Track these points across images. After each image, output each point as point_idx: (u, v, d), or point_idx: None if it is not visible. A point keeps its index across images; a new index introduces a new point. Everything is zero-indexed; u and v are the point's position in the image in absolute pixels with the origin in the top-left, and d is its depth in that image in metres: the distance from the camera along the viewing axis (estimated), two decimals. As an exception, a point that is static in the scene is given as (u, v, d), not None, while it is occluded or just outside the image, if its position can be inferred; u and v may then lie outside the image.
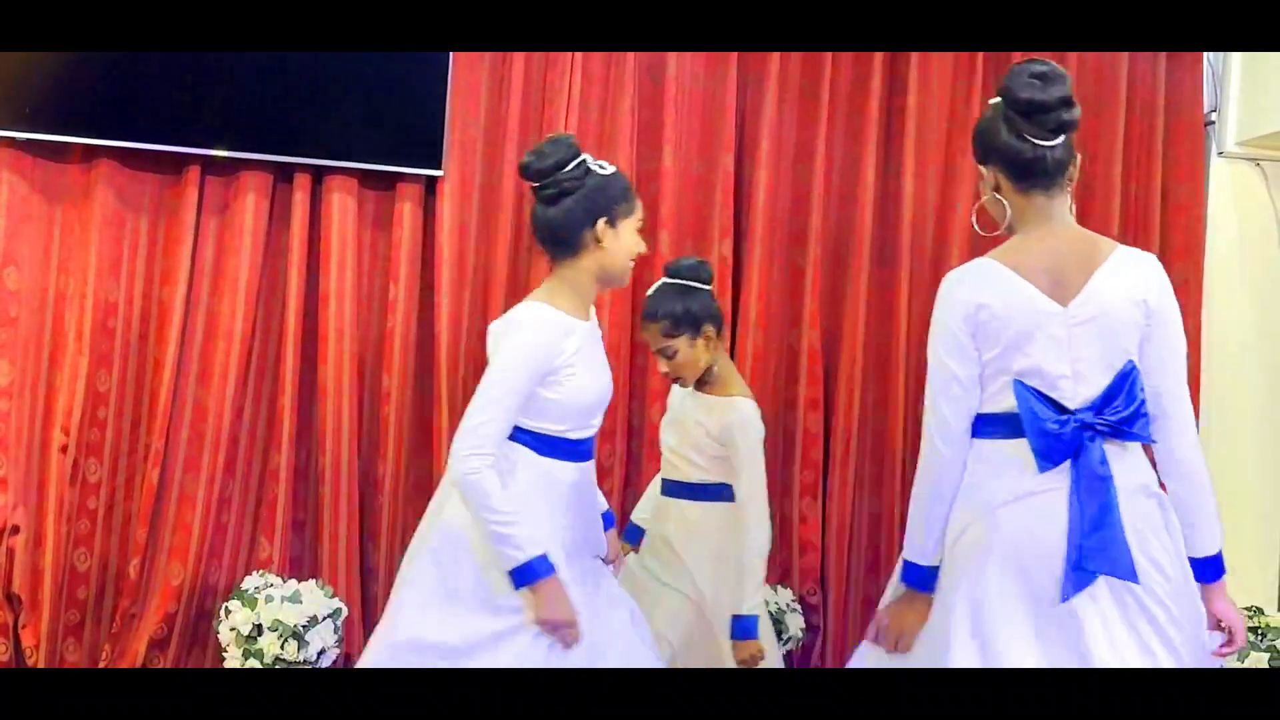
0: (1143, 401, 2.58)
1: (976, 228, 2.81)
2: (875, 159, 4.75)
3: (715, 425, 3.45)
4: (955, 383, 2.60)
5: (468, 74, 4.48)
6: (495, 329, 2.99)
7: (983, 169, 2.70)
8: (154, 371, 4.29)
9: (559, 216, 2.89)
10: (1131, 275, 2.63)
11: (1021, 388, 2.57)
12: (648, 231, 4.58)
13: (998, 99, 2.68)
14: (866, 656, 2.79)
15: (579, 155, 2.90)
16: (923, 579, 2.68)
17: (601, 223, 2.89)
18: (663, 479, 3.63)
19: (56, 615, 4.20)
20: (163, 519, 4.27)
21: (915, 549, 2.68)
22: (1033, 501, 2.55)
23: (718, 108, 4.66)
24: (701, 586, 3.47)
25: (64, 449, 4.18)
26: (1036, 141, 2.62)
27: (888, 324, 4.75)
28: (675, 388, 3.64)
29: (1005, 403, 2.60)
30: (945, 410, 2.62)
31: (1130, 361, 2.59)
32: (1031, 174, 2.64)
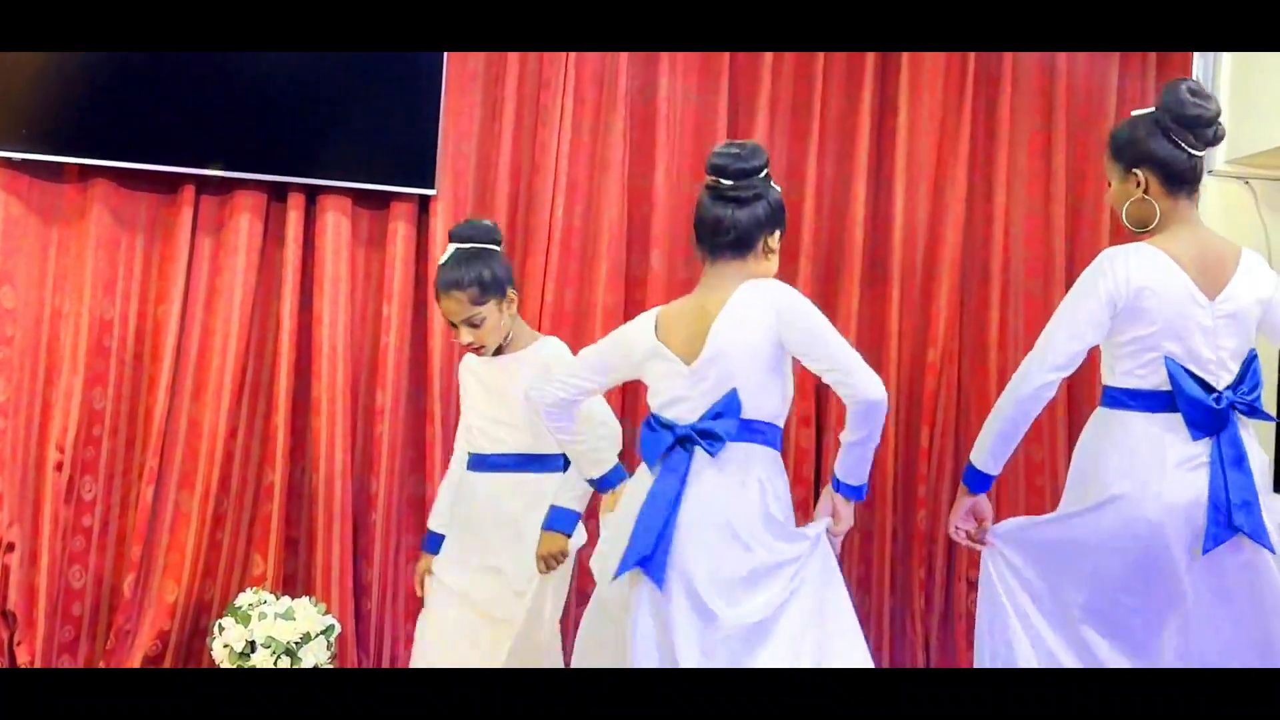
0: (1259, 384, 2.96)
1: (1126, 224, 3.00)
2: (866, 177, 4.78)
3: (542, 369, 3.30)
4: (1079, 338, 2.89)
5: (460, 94, 4.52)
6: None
7: (1134, 172, 2.94)
8: (149, 390, 4.32)
9: (748, 219, 2.89)
10: (1257, 276, 2.97)
11: (1176, 366, 2.88)
12: (639, 251, 4.67)
13: (1150, 110, 2.96)
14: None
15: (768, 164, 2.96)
16: (982, 484, 3.00)
17: (777, 233, 2.95)
18: (481, 455, 3.47)
19: (52, 632, 4.22)
20: (157, 536, 4.30)
21: (985, 458, 2.98)
22: (1196, 465, 2.87)
23: (709, 127, 4.70)
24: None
25: (59, 467, 4.21)
26: (1192, 151, 2.92)
27: (878, 340, 4.78)
28: (467, 363, 3.54)
29: (1154, 379, 2.89)
30: (1063, 347, 2.89)
31: (1252, 350, 2.96)
32: (1184, 180, 2.94)
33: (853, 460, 2.91)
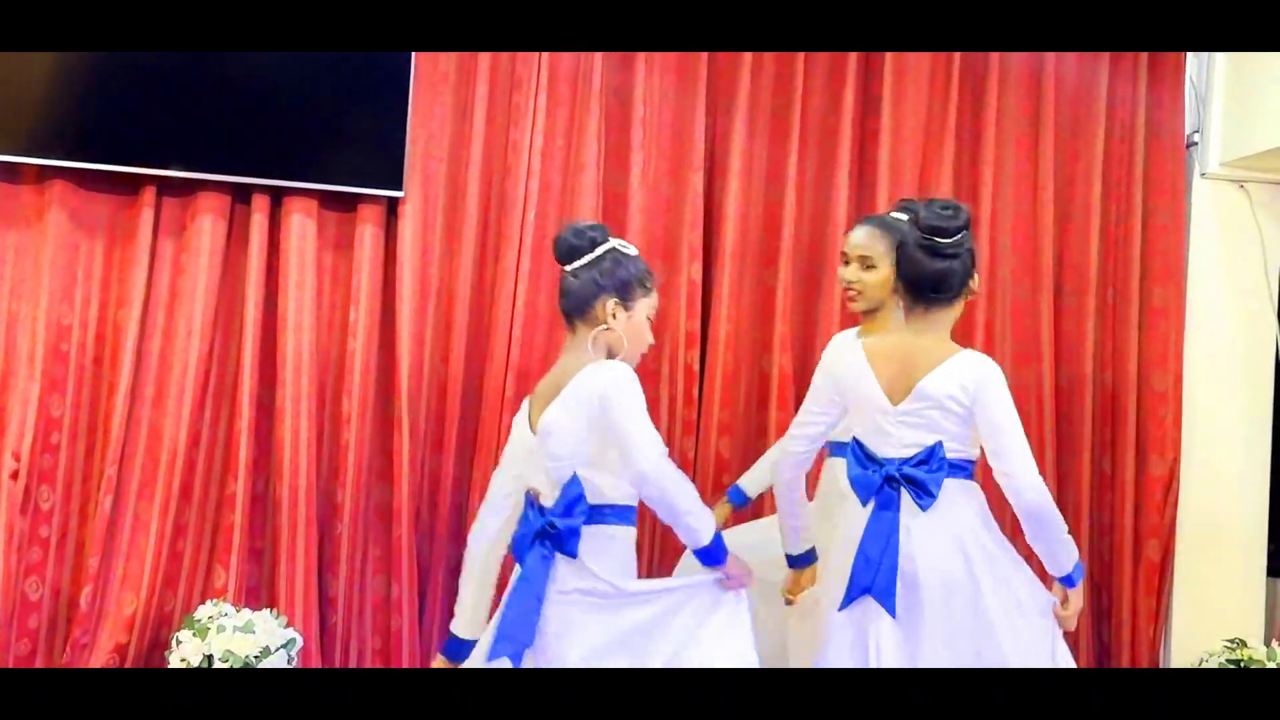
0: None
1: None
2: (848, 180, 4.66)
3: None
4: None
5: (431, 94, 4.41)
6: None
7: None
8: (108, 396, 4.21)
9: (962, 271, 3.08)
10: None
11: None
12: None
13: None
14: None
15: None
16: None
17: (976, 278, 3.15)
18: None
19: (5, 645, 4.10)
20: (115, 547, 4.18)
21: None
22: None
23: (686, 128, 4.59)
24: None
25: (14, 475, 4.09)
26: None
27: (861, 348, 4.66)
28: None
29: None
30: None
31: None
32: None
33: (1048, 552, 3.04)
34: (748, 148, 4.61)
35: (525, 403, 3.13)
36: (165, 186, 4.23)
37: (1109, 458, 4.85)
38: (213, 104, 4.19)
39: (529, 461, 3.04)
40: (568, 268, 3.04)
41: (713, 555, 2.95)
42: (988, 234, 4.74)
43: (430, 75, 4.39)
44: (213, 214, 4.24)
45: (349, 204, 4.36)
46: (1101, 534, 4.85)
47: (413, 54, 4.27)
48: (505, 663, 2.92)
